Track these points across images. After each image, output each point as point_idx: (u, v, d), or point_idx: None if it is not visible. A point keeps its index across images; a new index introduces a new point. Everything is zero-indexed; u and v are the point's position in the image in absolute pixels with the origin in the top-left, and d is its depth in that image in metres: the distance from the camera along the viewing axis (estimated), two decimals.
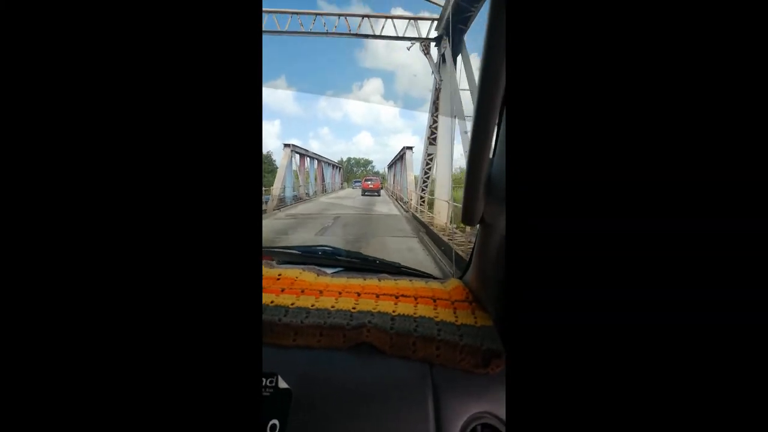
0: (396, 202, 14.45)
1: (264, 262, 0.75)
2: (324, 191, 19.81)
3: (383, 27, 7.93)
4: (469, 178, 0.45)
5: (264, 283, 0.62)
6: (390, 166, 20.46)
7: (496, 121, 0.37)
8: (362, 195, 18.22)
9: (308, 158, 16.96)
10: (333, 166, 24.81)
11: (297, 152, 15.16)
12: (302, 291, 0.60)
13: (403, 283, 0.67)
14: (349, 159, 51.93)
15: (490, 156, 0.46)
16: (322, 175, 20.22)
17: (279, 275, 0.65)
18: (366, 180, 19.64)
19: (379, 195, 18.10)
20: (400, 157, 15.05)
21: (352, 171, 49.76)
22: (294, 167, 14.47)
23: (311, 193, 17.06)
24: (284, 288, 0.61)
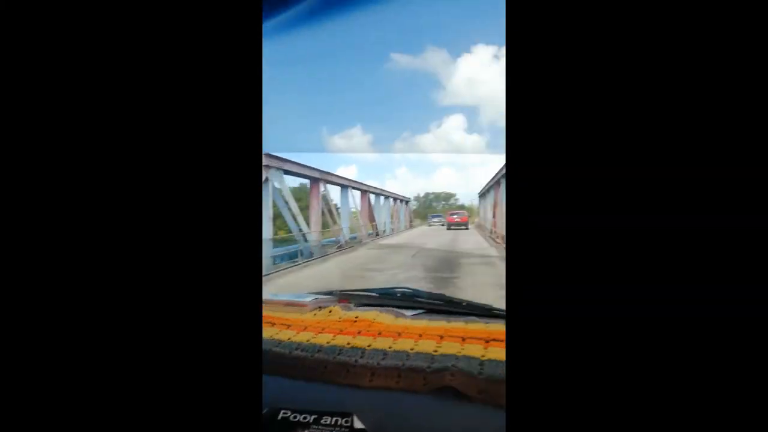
0: (494, 241, 10.07)
1: (341, 305, 0.75)
2: (376, 234, 13.40)
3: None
4: None
5: (340, 325, 0.63)
6: (483, 195, 15.91)
7: None
8: (447, 229, 16.77)
9: (334, 185, 10.24)
10: (394, 198, 18.03)
11: (296, 174, 8.07)
12: (379, 333, 0.60)
13: (495, 326, 0.62)
14: (427, 194, 47.67)
15: None
16: (370, 210, 13.24)
17: (356, 317, 0.67)
18: (451, 214, 18.61)
19: (467, 228, 16.69)
20: (496, 183, 11.06)
21: (431, 206, 45.32)
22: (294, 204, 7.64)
23: (342, 238, 9.76)
24: (361, 330, 0.61)
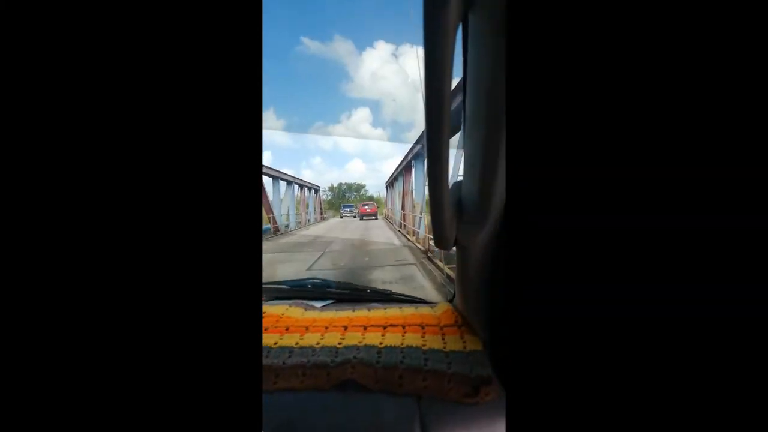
0: (406, 238, 9.35)
1: None
2: (275, 231, 10.94)
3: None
4: (433, 202, 0.41)
5: None
6: (391, 185, 15.22)
7: (447, 142, 0.35)
8: (360, 220, 17.79)
9: None
10: (300, 186, 15.45)
11: None
12: (287, 329, 0.59)
13: (393, 312, 0.67)
14: (340, 184, 47.33)
15: (456, 178, 0.44)
16: (264, 199, 10.49)
17: (263, 312, 0.65)
18: (363, 205, 19.46)
19: (376, 218, 17.95)
20: (406, 168, 10.28)
21: (344, 196, 45.09)
22: None
23: None
24: (268, 327, 0.60)
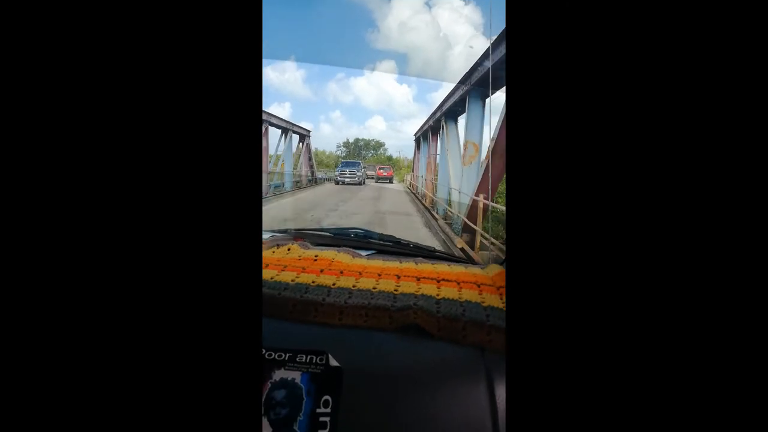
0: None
1: (299, 243, 0.77)
2: None
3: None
4: None
5: (301, 263, 0.65)
6: (422, 138, 10.33)
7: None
8: (375, 182, 15.30)
9: None
10: (277, 127, 9.73)
11: None
12: (341, 272, 0.62)
13: (443, 268, 0.68)
14: (357, 140, 42.39)
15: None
16: None
17: (316, 256, 0.69)
18: (380, 168, 17.77)
19: (391, 182, 16.01)
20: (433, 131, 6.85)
21: (360, 154, 40.42)
22: None
23: None
24: (323, 269, 0.63)
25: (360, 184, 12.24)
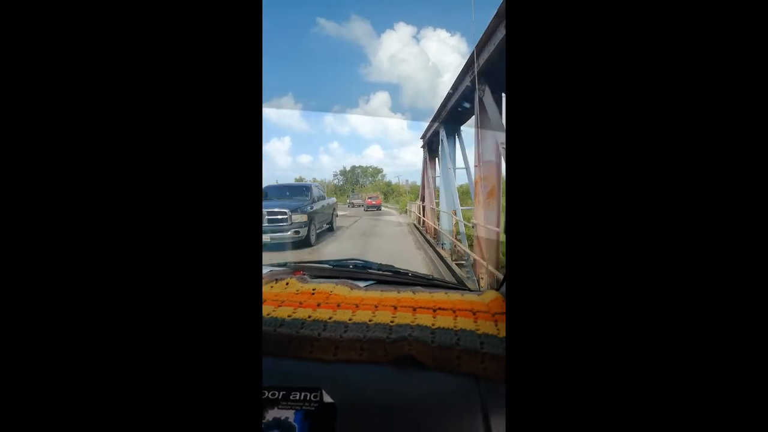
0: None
1: (297, 277, 0.75)
2: None
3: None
4: None
5: (299, 298, 0.63)
6: (438, 143, 6.31)
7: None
8: (365, 210, 15.99)
9: None
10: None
11: None
12: (338, 305, 0.60)
13: (439, 296, 0.66)
14: (353, 167, 39.66)
15: None
16: None
17: (314, 290, 0.66)
18: (369, 198, 18.49)
19: (379, 210, 16.67)
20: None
21: (358, 182, 37.52)
22: None
23: None
24: (320, 302, 0.61)
25: (328, 227, 7.01)
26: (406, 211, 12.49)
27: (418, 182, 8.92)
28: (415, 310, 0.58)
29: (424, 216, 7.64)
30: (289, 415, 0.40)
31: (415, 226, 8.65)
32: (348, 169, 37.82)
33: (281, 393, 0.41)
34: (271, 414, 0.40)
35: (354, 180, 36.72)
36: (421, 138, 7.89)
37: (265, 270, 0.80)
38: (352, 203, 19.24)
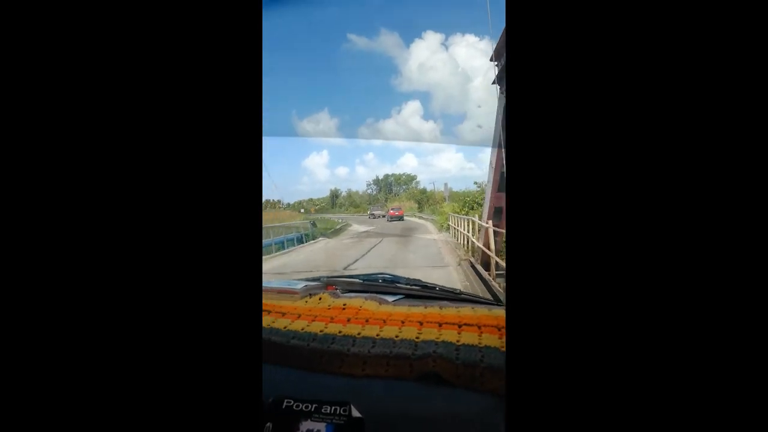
0: None
1: (329, 292, 0.78)
2: None
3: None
4: None
5: (331, 313, 0.65)
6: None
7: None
8: (388, 221, 15.35)
9: None
10: None
11: None
12: (367, 320, 0.62)
13: (466, 311, 0.66)
14: (386, 176, 36.20)
15: None
16: None
17: (344, 305, 0.69)
18: (392, 209, 17.82)
19: (402, 220, 15.95)
20: None
21: (392, 190, 34.09)
22: None
23: None
24: (350, 318, 0.63)
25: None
26: (448, 228, 8.45)
27: (455, 188, 6.06)
28: (440, 325, 0.58)
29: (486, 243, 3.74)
30: (320, 427, 0.42)
31: (470, 263, 4.69)
32: (381, 178, 34.51)
33: (313, 406, 0.43)
34: (304, 426, 0.42)
35: (387, 188, 33.24)
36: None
37: (300, 285, 0.80)
38: (373, 214, 18.62)
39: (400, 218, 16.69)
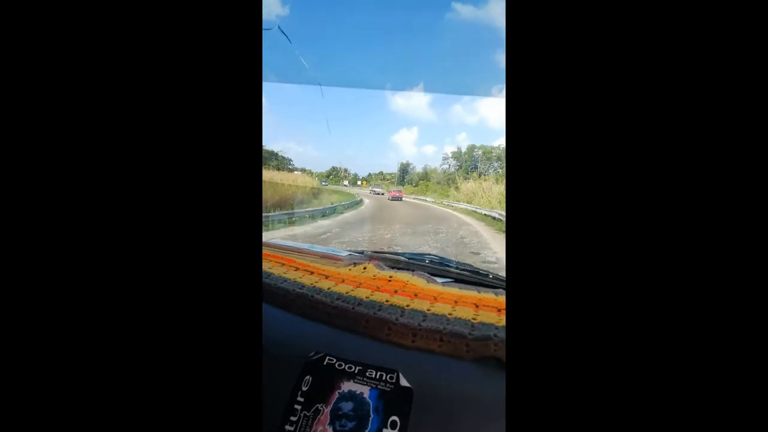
0: None
1: (375, 264, 0.75)
2: None
3: None
4: None
5: (376, 283, 0.64)
6: None
7: None
8: (390, 200, 15.57)
9: None
10: None
11: None
12: (415, 294, 0.59)
13: None
14: (471, 148, 28.76)
15: None
16: None
17: (390, 277, 0.67)
18: (393, 190, 18.30)
19: (401, 200, 16.04)
20: None
21: (476, 167, 26.83)
22: None
23: None
24: (397, 290, 0.61)
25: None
26: None
27: None
28: (499, 311, 0.54)
29: None
30: (364, 390, 0.41)
31: None
32: (464, 150, 26.97)
33: (357, 368, 0.43)
34: (347, 386, 0.42)
35: (471, 165, 25.57)
36: None
37: (344, 253, 0.79)
38: (374, 191, 18.47)
39: (400, 199, 16.93)
